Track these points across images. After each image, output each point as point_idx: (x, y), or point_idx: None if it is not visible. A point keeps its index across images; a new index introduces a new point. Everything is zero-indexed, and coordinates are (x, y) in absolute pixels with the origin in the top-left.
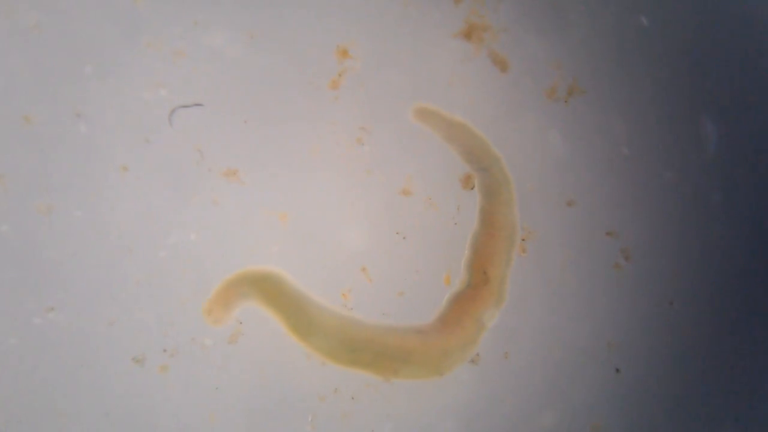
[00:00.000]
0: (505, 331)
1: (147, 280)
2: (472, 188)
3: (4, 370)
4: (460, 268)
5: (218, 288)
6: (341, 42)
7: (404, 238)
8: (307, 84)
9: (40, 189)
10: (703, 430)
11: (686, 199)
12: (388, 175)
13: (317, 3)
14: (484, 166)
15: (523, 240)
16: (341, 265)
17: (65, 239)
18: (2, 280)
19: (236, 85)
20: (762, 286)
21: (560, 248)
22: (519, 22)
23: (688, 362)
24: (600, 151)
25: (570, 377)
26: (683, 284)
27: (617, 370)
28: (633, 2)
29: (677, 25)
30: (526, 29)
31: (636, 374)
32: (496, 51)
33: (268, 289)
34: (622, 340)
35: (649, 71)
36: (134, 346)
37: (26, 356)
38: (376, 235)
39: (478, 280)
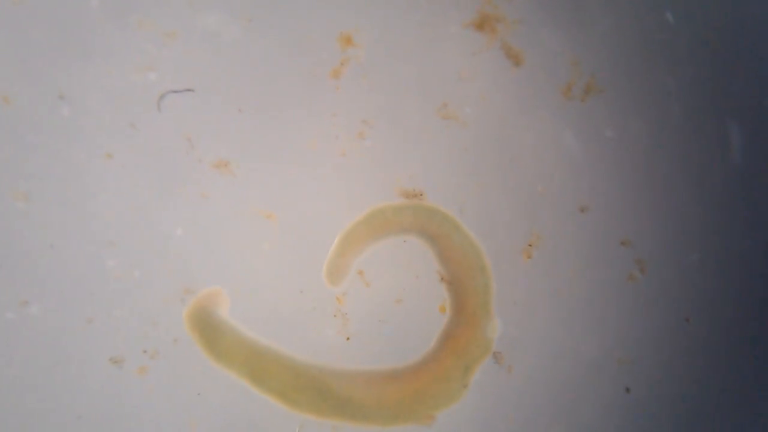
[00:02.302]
0: (509, 342)
1: (129, 276)
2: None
3: None
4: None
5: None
6: (345, 29)
7: (404, 240)
8: (306, 72)
9: (17, 175)
10: None
11: (707, 209)
12: (389, 172)
13: None
14: (402, 230)
15: (529, 246)
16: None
17: (43, 229)
18: None
19: (231, 70)
20: None
21: (570, 256)
22: (535, 14)
23: (704, 383)
24: (617, 155)
25: (577, 395)
26: (701, 300)
27: (627, 390)
28: None
29: (704, 23)
30: (543, 21)
31: (647, 394)
32: (509, 44)
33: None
34: (633, 358)
35: (672, 71)
36: (112, 345)
37: None
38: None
39: (460, 315)
